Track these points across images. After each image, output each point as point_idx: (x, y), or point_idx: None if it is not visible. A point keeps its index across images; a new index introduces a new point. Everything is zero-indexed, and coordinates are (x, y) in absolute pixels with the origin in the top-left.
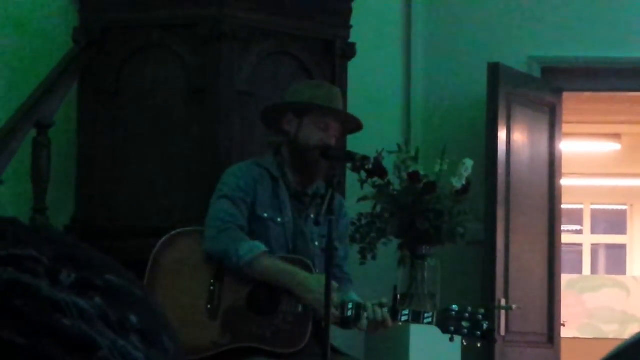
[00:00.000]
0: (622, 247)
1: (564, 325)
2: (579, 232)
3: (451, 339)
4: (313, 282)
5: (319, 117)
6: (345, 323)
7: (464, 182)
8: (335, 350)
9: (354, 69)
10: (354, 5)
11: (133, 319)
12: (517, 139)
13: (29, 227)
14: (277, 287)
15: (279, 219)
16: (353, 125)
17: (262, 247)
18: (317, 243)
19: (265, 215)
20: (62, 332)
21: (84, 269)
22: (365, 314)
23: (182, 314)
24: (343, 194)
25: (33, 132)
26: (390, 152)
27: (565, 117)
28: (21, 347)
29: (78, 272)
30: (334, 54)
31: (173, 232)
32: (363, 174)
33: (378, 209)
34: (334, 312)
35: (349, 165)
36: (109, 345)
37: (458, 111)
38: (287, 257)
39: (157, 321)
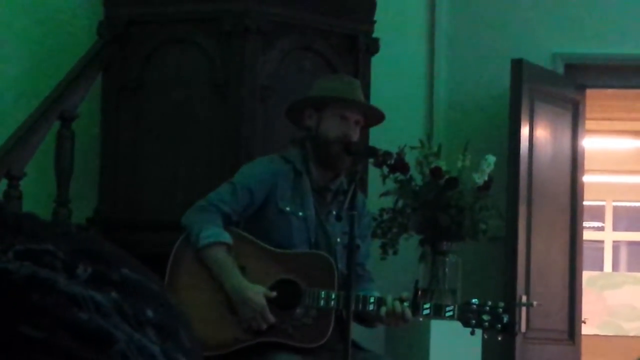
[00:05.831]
0: None
1: (584, 323)
2: (601, 229)
3: (472, 333)
4: (249, 291)
5: (337, 109)
6: (366, 320)
7: (486, 178)
8: (356, 346)
9: (378, 64)
10: (377, 0)
11: (149, 313)
12: (539, 136)
13: (46, 221)
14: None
15: (300, 213)
16: (375, 116)
17: (225, 238)
18: (339, 239)
19: (288, 209)
20: (78, 326)
21: (100, 263)
22: (384, 308)
23: (204, 309)
24: (365, 189)
25: (57, 125)
26: (412, 148)
27: (588, 114)
28: (38, 341)
29: (94, 267)
30: (357, 49)
31: None
32: (385, 170)
33: (400, 204)
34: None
35: (371, 160)
36: (125, 339)
37: (481, 107)
38: (308, 252)
39: (173, 315)
